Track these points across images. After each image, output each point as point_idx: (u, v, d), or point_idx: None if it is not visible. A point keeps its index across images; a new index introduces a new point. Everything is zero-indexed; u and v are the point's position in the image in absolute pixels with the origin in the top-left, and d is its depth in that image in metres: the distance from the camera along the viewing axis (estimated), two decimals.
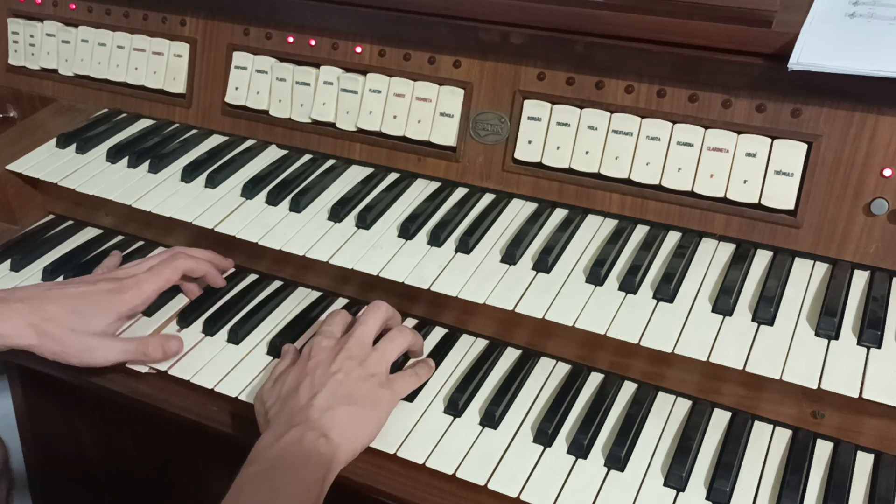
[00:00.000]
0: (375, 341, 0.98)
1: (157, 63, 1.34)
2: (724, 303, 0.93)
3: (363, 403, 0.90)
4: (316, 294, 1.14)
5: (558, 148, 1.09)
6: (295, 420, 0.87)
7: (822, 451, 0.89)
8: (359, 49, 1.20)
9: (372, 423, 0.91)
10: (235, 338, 1.05)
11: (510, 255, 1.02)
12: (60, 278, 1.16)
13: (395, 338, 0.98)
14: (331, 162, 1.23)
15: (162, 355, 1.03)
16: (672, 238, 1.04)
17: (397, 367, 0.99)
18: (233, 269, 1.18)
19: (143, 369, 1.03)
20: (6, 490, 1.12)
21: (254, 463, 0.84)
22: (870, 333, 0.88)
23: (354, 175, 1.20)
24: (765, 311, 0.91)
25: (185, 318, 1.09)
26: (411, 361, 1.02)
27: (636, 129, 1.04)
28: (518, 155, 1.11)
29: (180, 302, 1.13)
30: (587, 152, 1.07)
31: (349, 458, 0.88)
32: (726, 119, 1.01)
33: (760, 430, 0.92)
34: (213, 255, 1.15)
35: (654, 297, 0.95)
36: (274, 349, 1.04)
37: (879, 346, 0.87)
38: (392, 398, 0.94)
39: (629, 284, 0.97)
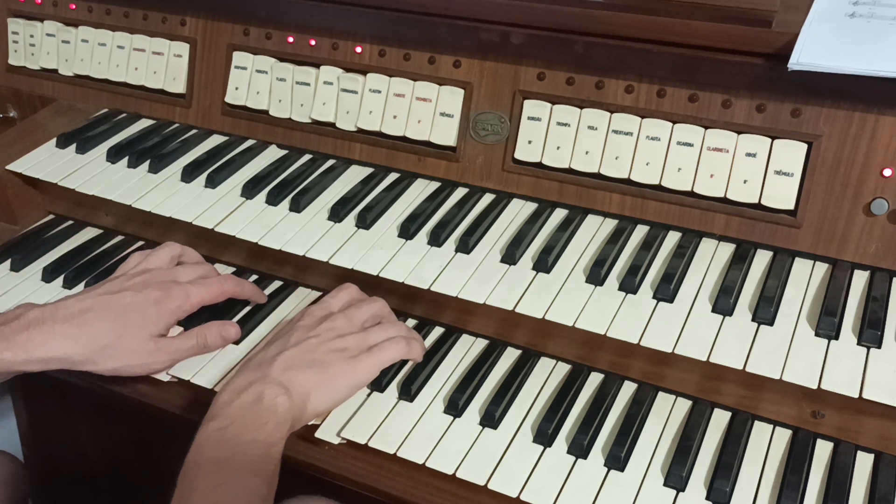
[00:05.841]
0: None
1: (157, 63, 1.34)
2: (724, 303, 0.93)
3: (325, 370, 0.90)
4: (316, 294, 1.14)
5: (558, 148, 1.08)
6: (255, 375, 0.87)
7: (822, 451, 0.89)
8: (359, 49, 1.20)
9: (331, 392, 0.90)
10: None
11: (510, 255, 1.02)
12: (60, 279, 1.15)
13: (388, 329, 0.98)
14: (331, 162, 1.23)
15: (222, 343, 1.02)
16: (672, 238, 1.04)
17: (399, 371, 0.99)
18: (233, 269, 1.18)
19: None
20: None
21: (215, 418, 0.84)
22: (870, 333, 0.88)
23: (354, 175, 1.20)
24: (765, 311, 0.91)
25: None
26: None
27: (636, 129, 1.04)
28: (518, 155, 1.11)
29: None
30: (587, 152, 1.07)
31: (307, 419, 0.88)
32: (726, 119, 1.01)
33: (760, 430, 0.92)
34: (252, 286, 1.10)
35: (654, 297, 0.95)
36: None
37: (879, 346, 0.87)
38: (360, 373, 0.92)
39: (629, 284, 0.97)
